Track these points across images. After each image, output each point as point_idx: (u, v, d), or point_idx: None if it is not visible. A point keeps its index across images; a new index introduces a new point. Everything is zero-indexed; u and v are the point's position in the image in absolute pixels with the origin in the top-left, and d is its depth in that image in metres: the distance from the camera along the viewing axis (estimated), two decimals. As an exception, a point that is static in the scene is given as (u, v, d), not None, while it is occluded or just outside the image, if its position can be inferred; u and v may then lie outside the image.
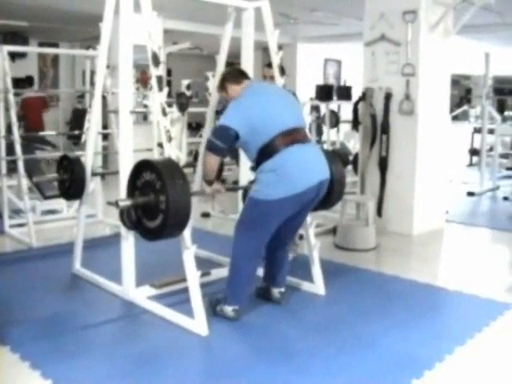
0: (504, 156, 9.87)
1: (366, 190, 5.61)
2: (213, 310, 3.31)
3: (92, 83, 5.72)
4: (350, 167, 7.06)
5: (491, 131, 9.02)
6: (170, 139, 3.22)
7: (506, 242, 5.45)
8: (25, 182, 5.01)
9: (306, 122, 3.46)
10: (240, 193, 4.56)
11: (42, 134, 7.33)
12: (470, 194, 7.70)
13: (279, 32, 3.85)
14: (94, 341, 3.05)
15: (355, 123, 5.75)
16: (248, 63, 3.99)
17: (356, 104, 5.72)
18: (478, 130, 10.50)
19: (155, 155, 5.82)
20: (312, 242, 3.76)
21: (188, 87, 8.04)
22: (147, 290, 3.62)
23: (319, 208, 3.53)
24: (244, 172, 4.28)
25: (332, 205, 3.65)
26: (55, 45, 11.06)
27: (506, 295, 3.85)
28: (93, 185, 5.13)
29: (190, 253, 3.13)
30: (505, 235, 5.66)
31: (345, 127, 8.96)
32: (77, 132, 7.55)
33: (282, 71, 3.89)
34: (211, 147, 3.11)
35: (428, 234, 5.51)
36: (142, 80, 8.42)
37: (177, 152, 7.05)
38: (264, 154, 3.10)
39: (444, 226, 5.85)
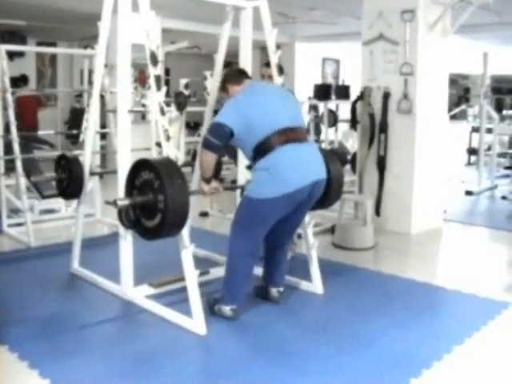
0: (502, 155, 9.88)
1: (364, 189, 5.61)
2: (211, 309, 3.30)
3: (90, 82, 5.72)
4: (348, 166, 7.05)
5: (489, 130, 9.03)
6: (168, 138, 3.21)
7: (504, 241, 5.46)
8: (23, 182, 5.00)
9: (305, 121, 3.46)
10: (238, 192, 4.56)
11: (40, 133, 7.32)
12: (468, 193, 7.71)
13: (277, 31, 3.85)
14: (92, 340, 3.05)
15: (353, 122, 5.75)
16: (246, 62, 3.99)
17: (354, 103, 5.72)
18: (476, 129, 10.51)
19: (153, 154, 5.83)
20: (310, 241, 3.76)
21: (186, 86, 8.01)
22: (145, 289, 3.62)
23: (317, 207, 3.53)
24: (242, 171, 4.27)
25: (330, 204, 3.65)
26: (53, 44, 11.05)
27: (504, 294, 3.85)
28: (91, 184, 5.11)
29: (188, 252, 3.13)
30: (503, 234, 5.67)
31: (343, 126, 8.95)
32: (75, 131, 7.53)
33: (281, 70, 3.89)
34: (207, 144, 3.11)
35: (426, 233, 5.52)
36: (140, 79, 8.42)
37: (175, 151, 7.03)
38: (259, 152, 3.11)
39: (442, 225, 5.86)
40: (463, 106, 12.55)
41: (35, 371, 2.66)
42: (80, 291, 3.80)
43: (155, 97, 3.24)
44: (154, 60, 3.23)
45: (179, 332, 3.11)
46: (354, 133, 6.31)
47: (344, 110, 8.31)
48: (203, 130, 4.29)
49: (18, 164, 4.99)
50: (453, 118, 10.74)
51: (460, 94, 16.49)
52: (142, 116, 8.42)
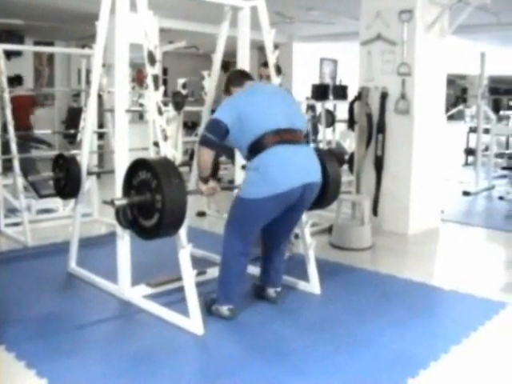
0: (499, 155, 9.89)
1: (361, 190, 5.61)
2: (208, 309, 3.30)
3: (88, 82, 5.73)
4: (345, 166, 7.06)
5: (487, 131, 9.04)
6: (165, 138, 3.21)
7: (501, 241, 5.47)
8: (20, 181, 5.00)
9: (305, 124, 3.45)
10: (235, 192, 4.55)
11: (37, 132, 7.30)
12: (466, 193, 7.72)
13: (275, 31, 3.85)
14: (90, 340, 3.04)
15: (351, 122, 5.76)
16: (244, 62, 3.99)
17: (352, 103, 5.72)
18: (473, 130, 10.53)
19: (151, 154, 5.82)
20: (308, 241, 3.76)
21: (184, 86, 8.02)
22: (143, 289, 3.62)
23: (315, 207, 3.53)
24: (239, 171, 4.28)
25: (328, 204, 3.65)
26: (51, 43, 11.04)
27: (502, 294, 3.86)
28: (88, 184, 5.12)
29: (185, 252, 3.13)
30: (500, 234, 5.68)
31: (341, 126, 8.96)
32: (72, 131, 7.53)
33: (278, 70, 3.89)
34: (204, 141, 3.13)
35: (424, 233, 5.52)
36: (138, 79, 8.42)
37: (172, 151, 7.03)
38: (252, 151, 3.12)
39: (439, 225, 5.87)
40: (461, 107, 12.56)
41: (32, 371, 2.65)
42: (77, 291, 3.79)
43: (153, 96, 3.24)
44: (152, 60, 3.22)
45: (176, 332, 3.11)
46: (352, 133, 6.32)
47: (342, 110, 8.32)
48: (201, 130, 4.29)
49: (16, 163, 4.98)
50: (450, 118, 10.73)
51: (457, 94, 16.51)
52: (139, 116, 8.42)
